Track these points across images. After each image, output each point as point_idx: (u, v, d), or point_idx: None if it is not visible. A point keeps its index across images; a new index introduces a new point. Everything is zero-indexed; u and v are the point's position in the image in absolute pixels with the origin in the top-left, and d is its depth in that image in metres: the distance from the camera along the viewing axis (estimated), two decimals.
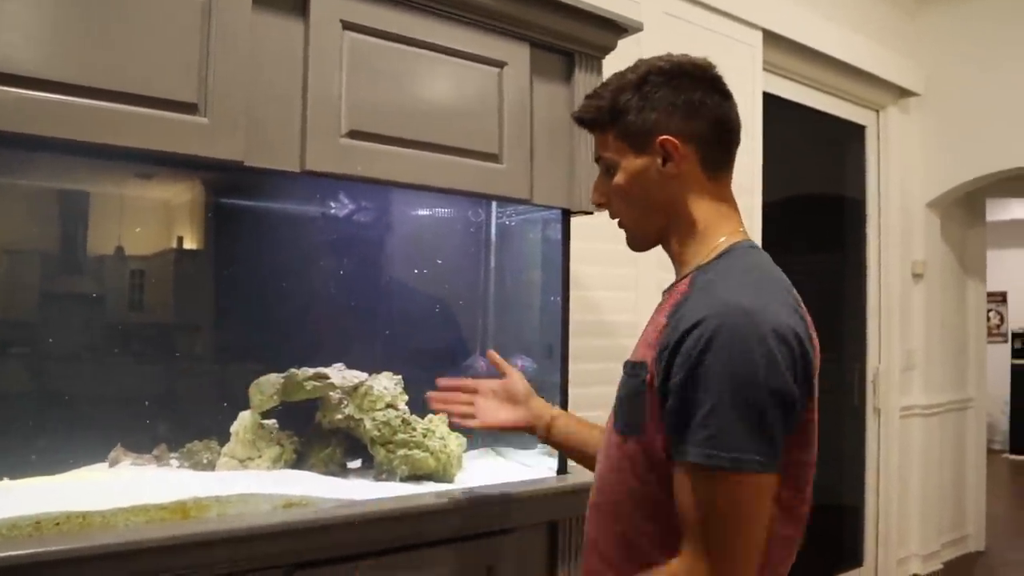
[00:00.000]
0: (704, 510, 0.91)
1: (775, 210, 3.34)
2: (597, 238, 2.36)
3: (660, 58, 1.12)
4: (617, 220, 1.18)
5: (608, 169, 1.14)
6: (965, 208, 4.63)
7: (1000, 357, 7.63)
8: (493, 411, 1.44)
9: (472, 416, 1.44)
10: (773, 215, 3.31)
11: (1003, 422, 7.89)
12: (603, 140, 1.13)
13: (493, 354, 1.54)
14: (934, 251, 4.36)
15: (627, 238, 1.18)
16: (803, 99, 3.76)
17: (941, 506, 4.34)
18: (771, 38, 3.34)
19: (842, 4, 3.80)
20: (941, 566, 4.29)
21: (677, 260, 1.13)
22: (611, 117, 1.11)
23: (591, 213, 1.90)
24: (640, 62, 1.13)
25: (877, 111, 4.19)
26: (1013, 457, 7.62)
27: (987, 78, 4.04)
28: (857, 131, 4.15)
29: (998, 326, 8.08)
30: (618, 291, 2.76)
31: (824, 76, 3.76)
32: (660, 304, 1.10)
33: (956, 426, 4.54)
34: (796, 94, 3.70)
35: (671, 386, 0.95)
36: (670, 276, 1.16)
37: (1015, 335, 8.02)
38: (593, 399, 2.56)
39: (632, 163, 1.10)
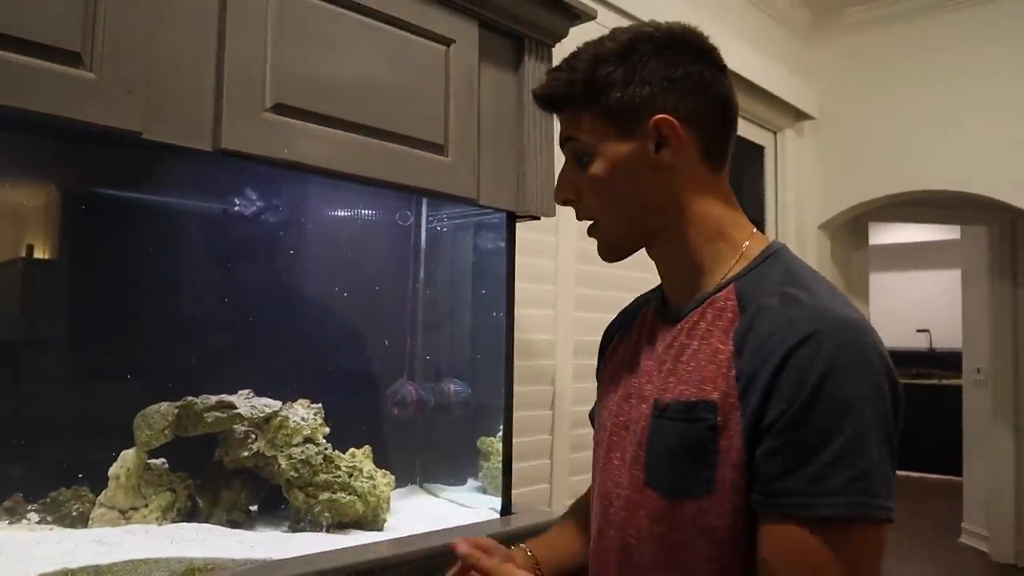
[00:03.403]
0: (834, 574, 0.71)
1: None
2: (519, 250, 2.16)
3: (644, 24, 0.90)
4: (589, 222, 0.94)
5: (580, 157, 0.91)
6: (851, 230, 4.75)
7: None
8: None
9: None
10: None
11: None
12: (575, 120, 0.90)
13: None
14: (824, 272, 4.41)
15: (601, 245, 0.94)
16: None
17: None
18: None
19: (745, 24, 3.81)
20: None
21: (678, 265, 0.91)
22: (589, 92, 0.88)
23: (537, 218, 1.70)
24: (617, 30, 0.90)
25: (775, 133, 4.23)
26: None
27: (875, 107, 4.16)
28: (757, 152, 4.17)
29: None
30: (537, 308, 2.57)
31: None
32: (685, 325, 0.87)
33: None
34: None
35: (775, 421, 0.74)
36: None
37: None
38: (515, 423, 2.36)
39: (615, 149, 0.87)
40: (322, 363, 1.69)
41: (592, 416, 1.10)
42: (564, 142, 0.92)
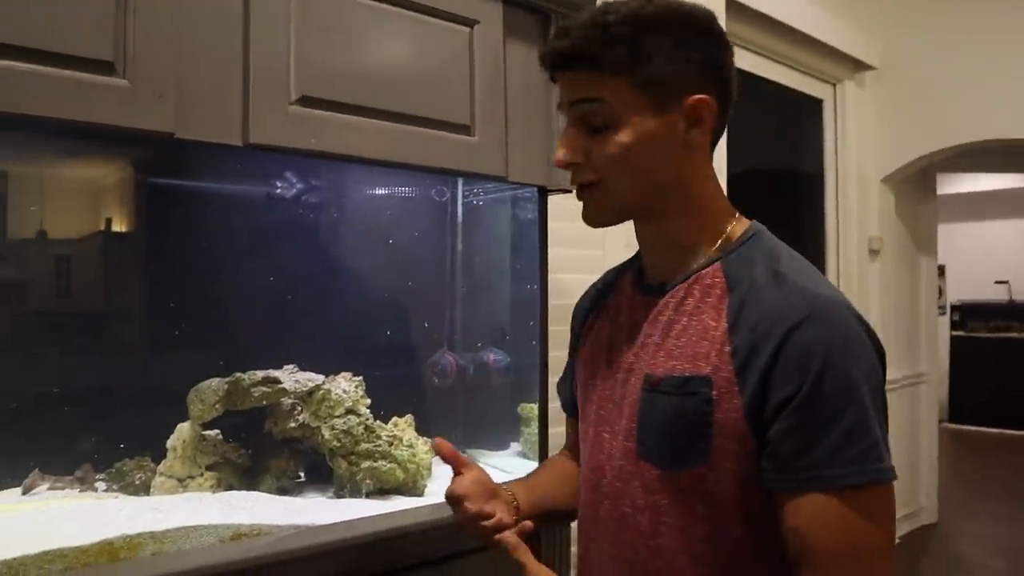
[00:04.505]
0: (857, 536, 0.77)
1: (734, 184, 3.22)
2: (563, 216, 2.19)
3: (667, 1, 0.88)
4: (584, 185, 0.91)
5: (596, 121, 0.87)
6: (916, 182, 4.60)
7: (940, 329, 7.75)
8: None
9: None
10: (732, 190, 3.18)
11: (942, 392, 8.06)
12: (600, 84, 0.86)
13: (442, 444, 1.10)
14: (888, 227, 4.32)
15: (595, 208, 0.92)
16: (763, 71, 3.64)
17: (897, 482, 4.34)
18: (733, 6, 3.20)
19: None
20: (898, 540, 4.29)
21: (669, 243, 0.93)
22: (631, 60, 0.85)
23: (570, 191, 1.72)
24: (644, 1, 0.88)
25: (834, 85, 4.11)
26: (952, 426, 7.79)
27: (939, 54, 3.98)
28: (815, 105, 4.06)
29: (937, 299, 8.23)
30: (583, 274, 2.58)
31: (784, 48, 3.65)
32: (672, 300, 0.90)
33: (910, 401, 4.54)
34: (756, 66, 3.58)
35: (786, 401, 0.78)
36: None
37: (953, 307, 8.17)
38: (551, 388, 2.40)
39: (647, 123, 0.86)
40: (364, 337, 1.77)
41: (560, 388, 1.18)
42: (578, 103, 0.89)
